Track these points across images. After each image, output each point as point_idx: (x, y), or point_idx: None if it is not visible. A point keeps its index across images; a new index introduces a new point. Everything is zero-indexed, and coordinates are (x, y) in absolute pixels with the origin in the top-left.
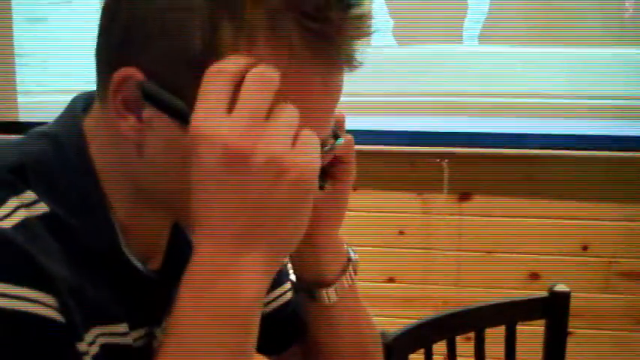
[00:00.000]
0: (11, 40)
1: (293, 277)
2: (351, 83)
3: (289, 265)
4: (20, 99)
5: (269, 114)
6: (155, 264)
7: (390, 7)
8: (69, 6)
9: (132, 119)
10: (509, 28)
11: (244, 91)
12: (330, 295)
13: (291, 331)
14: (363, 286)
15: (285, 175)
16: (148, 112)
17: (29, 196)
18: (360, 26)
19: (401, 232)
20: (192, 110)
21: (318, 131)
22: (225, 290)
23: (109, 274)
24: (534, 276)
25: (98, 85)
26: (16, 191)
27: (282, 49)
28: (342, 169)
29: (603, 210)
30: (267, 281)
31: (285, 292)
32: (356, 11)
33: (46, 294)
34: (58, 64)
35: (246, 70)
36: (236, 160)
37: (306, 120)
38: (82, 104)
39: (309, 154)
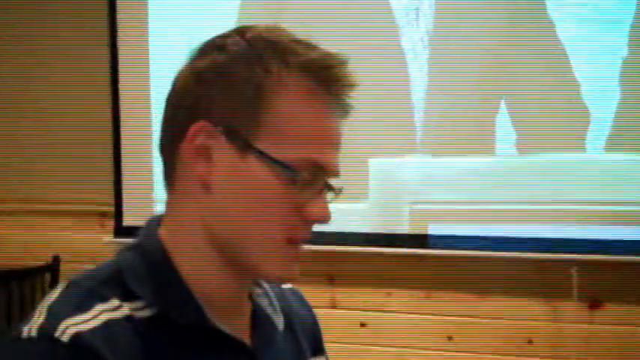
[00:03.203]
0: (150, 152)
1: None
2: (481, 191)
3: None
4: (156, 207)
5: None
6: (243, 332)
7: (513, 119)
8: None
9: (204, 162)
10: (635, 135)
11: None
12: None
13: None
14: None
15: None
16: (217, 154)
17: (113, 303)
18: (348, 76)
19: (529, 341)
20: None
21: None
22: None
23: (199, 350)
24: None
25: (166, 170)
26: (103, 299)
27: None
28: None
29: None
30: None
31: None
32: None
33: None
34: None
35: None
36: None
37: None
38: (156, 220)
39: None
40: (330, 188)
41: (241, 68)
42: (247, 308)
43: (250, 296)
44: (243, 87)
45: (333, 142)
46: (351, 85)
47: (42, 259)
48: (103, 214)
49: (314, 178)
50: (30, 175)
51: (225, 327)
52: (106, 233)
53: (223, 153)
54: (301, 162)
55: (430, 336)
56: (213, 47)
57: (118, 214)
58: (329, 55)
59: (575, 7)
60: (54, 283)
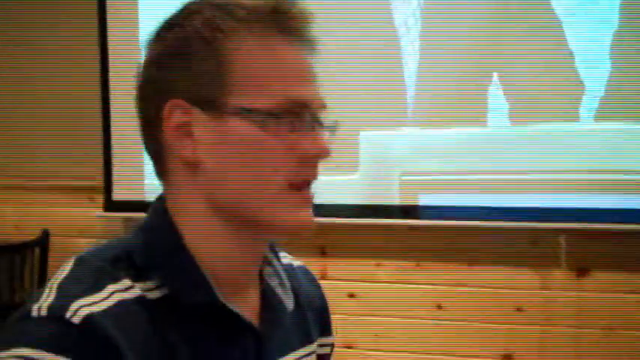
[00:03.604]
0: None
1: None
2: (471, 161)
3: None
4: (147, 181)
5: None
6: (252, 313)
7: (505, 91)
8: None
9: (187, 141)
10: (626, 105)
11: None
12: None
13: None
14: None
15: None
16: (197, 129)
17: (125, 283)
18: (299, 10)
19: (518, 309)
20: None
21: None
22: None
23: (209, 330)
24: None
25: (155, 160)
26: (114, 279)
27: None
28: None
29: None
30: None
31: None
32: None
33: None
34: None
35: None
36: None
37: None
38: (164, 199)
39: None
40: (320, 123)
41: (196, 38)
42: (257, 289)
43: (261, 276)
44: (201, 56)
45: (304, 75)
46: (305, 18)
47: (31, 233)
48: (92, 189)
49: (298, 115)
50: (19, 150)
51: (234, 307)
52: (96, 208)
53: (202, 124)
54: (279, 104)
55: (420, 305)
56: (166, 27)
57: (108, 188)
58: None
59: None
60: (44, 258)
